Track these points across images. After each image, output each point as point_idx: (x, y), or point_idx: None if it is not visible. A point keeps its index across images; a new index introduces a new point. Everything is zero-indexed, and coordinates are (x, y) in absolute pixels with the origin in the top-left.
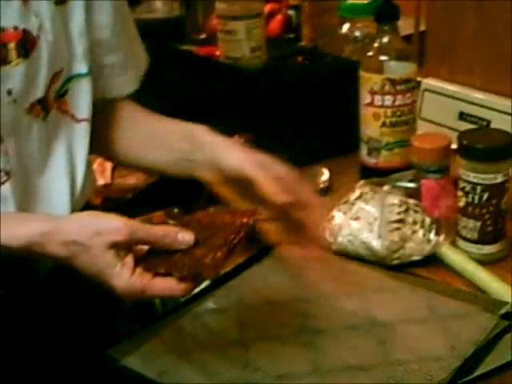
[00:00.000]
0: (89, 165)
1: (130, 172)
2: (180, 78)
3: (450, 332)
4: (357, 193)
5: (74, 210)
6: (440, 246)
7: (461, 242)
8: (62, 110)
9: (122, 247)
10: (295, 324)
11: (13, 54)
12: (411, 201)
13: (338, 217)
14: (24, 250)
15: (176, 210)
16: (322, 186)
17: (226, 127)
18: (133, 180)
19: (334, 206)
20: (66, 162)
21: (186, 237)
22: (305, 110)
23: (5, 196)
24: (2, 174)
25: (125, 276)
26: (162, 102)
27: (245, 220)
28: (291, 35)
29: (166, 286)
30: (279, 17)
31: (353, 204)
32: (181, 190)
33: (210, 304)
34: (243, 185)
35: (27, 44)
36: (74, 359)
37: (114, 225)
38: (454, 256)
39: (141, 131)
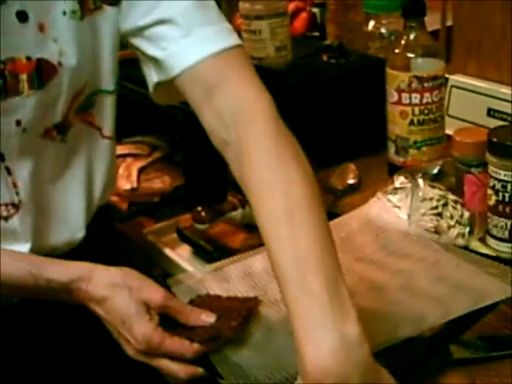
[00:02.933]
0: (109, 181)
1: (156, 176)
2: None
3: None
4: (396, 184)
5: (87, 221)
6: (472, 240)
7: (491, 241)
8: (88, 122)
9: (154, 308)
10: None
11: (24, 85)
12: (451, 196)
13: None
14: (67, 287)
15: (203, 214)
16: (350, 183)
17: None
18: (159, 184)
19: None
20: (85, 178)
21: (208, 317)
22: (331, 108)
23: (13, 229)
24: (10, 207)
25: (149, 327)
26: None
27: (252, 303)
28: (316, 33)
29: (181, 345)
30: (304, 15)
31: (393, 193)
32: (207, 193)
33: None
34: None
35: (42, 74)
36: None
37: (156, 287)
38: (483, 250)
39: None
